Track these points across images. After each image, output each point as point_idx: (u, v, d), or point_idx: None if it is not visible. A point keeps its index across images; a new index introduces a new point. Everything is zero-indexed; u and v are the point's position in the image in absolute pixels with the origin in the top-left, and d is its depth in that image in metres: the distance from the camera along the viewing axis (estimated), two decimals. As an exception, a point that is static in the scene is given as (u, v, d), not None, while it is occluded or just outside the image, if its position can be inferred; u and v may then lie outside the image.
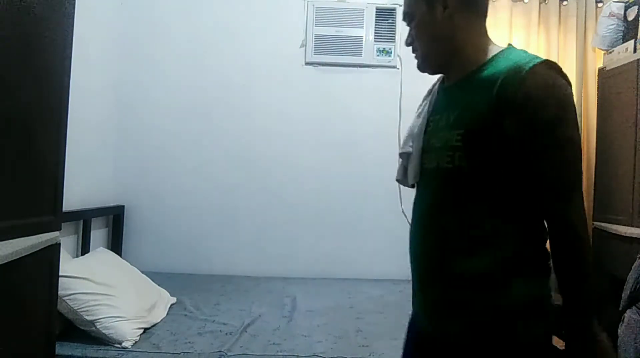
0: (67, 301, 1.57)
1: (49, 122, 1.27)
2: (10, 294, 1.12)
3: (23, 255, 1.12)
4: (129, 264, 2.17)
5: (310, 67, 2.81)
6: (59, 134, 1.32)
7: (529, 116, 0.81)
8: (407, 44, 1.01)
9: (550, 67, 0.84)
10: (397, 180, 1.12)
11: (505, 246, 0.87)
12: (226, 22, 2.80)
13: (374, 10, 2.77)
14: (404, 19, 1.00)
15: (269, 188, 2.78)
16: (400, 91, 2.81)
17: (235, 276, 2.60)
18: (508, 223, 0.87)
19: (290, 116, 2.78)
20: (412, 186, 1.04)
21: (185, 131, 2.77)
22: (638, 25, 2.40)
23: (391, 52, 2.80)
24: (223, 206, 2.78)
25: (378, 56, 2.79)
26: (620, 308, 1.91)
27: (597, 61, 2.78)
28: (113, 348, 1.55)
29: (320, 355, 1.58)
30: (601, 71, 2.67)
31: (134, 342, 1.60)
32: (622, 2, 2.57)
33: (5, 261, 1.05)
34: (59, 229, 1.33)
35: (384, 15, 2.79)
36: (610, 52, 2.59)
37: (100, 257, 2.08)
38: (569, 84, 0.85)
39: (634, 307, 1.86)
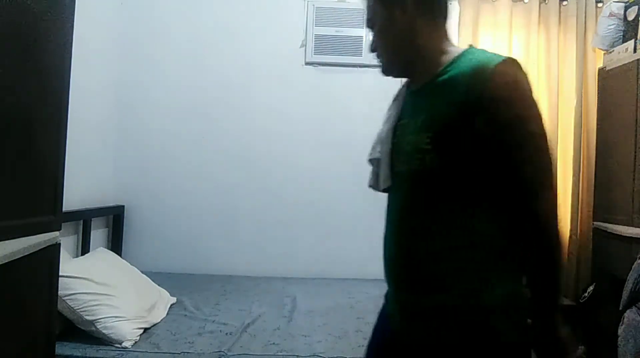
0: (67, 301, 1.57)
1: (49, 122, 1.27)
2: (10, 294, 1.12)
3: (23, 255, 1.12)
4: (129, 264, 2.17)
5: (310, 67, 2.81)
6: (59, 134, 1.32)
7: (497, 113, 0.82)
8: (371, 50, 1.03)
9: (513, 65, 0.86)
10: (369, 186, 1.13)
11: (480, 244, 0.87)
12: (226, 22, 2.80)
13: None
14: (367, 26, 1.02)
15: (269, 188, 2.78)
16: (400, 91, 2.81)
17: (235, 276, 2.60)
18: (481, 221, 0.88)
19: (290, 116, 2.78)
20: (384, 191, 1.05)
21: (185, 131, 2.77)
22: (638, 25, 2.40)
23: (391, 52, 2.79)
24: (223, 206, 2.78)
25: (378, 55, 2.79)
26: (620, 308, 1.91)
27: (597, 61, 2.78)
28: (113, 348, 1.55)
29: (320, 355, 1.58)
30: (601, 71, 2.67)
31: (134, 342, 1.60)
32: (622, 2, 2.57)
33: (5, 261, 1.05)
34: (59, 229, 1.33)
35: (384, 15, 2.78)
36: (610, 52, 2.59)
37: (100, 257, 2.08)
38: (530, 78, 0.87)
39: (634, 307, 1.86)
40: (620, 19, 2.56)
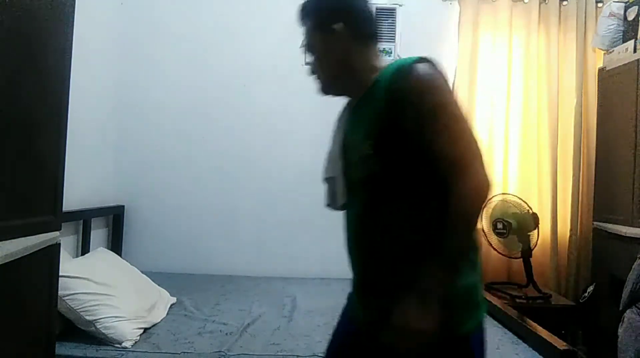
0: (67, 301, 1.57)
1: (49, 122, 1.27)
2: (10, 294, 1.12)
3: (23, 255, 1.12)
4: (129, 264, 2.17)
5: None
6: (59, 134, 1.32)
7: (415, 106, 0.90)
8: (311, 74, 1.13)
9: (426, 62, 0.94)
10: (327, 206, 1.19)
11: (431, 240, 0.92)
12: (226, 22, 2.80)
13: (374, 10, 2.77)
14: (306, 50, 1.12)
15: (269, 188, 2.78)
16: (400, 91, 2.81)
17: (235, 276, 2.60)
18: (429, 217, 0.94)
19: (290, 116, 2.78)
20: (342, 209, 1.11)
21: (185, 131, 2.77)
22: (638, 25, 2.40)
23: (391, 52, 2.80)
24: (223, 206, 2.78)
25: (378, 56, 2.79)
26: (620, 308, 1.92)
27: (597, 61, 2.78)
28: (113, 348, 1.55)
29: (320, 355, 1.58)
30: (601, 71, 2.67)
31: (134, 342, 1.60)
32: (622, 2, 2.57)
33: (5, 261, 1.05)
34: (59, 229, 1.33)
35: (384, 15, 2.78)
36: (610, 52, 2.59)
37: (100, 257, 2.08)
38: (444, 74, 0.95)
39: (634, 307, 1.86)
40: (620, 19, 2.56)
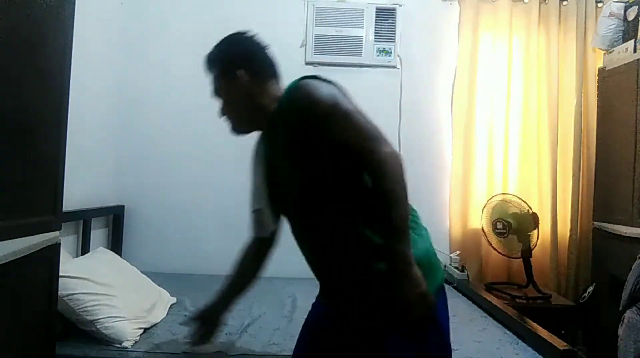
0: (67, 301, 1.57)
1: (49, 122, 1.27)
2: (10, 294, 1.12)
3: (23, 255, 1.12)
4: (129, 264, 2.17)
5: (310, 67, 2.81)
6: (59, 134, 1.32)
7: (312, 115, 1.02)
8: (220, 116, 1.24)
9: (308, 79, 1.10)
10: (256, 236, 1.32)
11: (370, 230, 1.05)
12: (226, 22, 2.78)
13: (374, 10, 2.77)
14: (214, 94, 1.24)
15: (269, 188, 2.77)
16: (400, 91, 2.81)
17: (235, 276, 2.59)
18: (364, 211, 1.05)
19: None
20: (270, 235, 1.28)
21: (186, 131, 2.77)
22: (638, 25, 2.40)
23: (391, 52, 2.80)
24: (223, 206, 2.78)
25: (378, 56, 2.79)
26: (620, 308, 1.92)
27: (597, 61, 2.78)
28: (113, 348, 1.54)
29: (320, 355, 1.58)
30: (601, 71, 2.67)
31: (134, 341, 1.59)
32: (622, 2, 2.57)
33: (5, 261, 1.05)
34: (59, 229, 1.33)
35: (384, 15, 2.79)
36: (610, 52, 2.59)
37: (100, 257, 2.08)
38: (330, 82, 1.11)
39: (634, 307, 1.86)
40: (620, 19, 2.56)
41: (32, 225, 1.19)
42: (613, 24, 2.59)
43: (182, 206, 2.77)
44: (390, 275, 0.98)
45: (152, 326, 1.75)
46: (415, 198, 2.80)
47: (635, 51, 2.37)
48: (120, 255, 2.63)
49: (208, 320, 1.41)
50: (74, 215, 2.12)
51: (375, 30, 2.78)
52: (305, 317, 1.35)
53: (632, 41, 2.41)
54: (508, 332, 1.79)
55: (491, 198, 2.63)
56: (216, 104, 1.26)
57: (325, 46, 2.78)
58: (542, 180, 2.78)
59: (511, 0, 2.79)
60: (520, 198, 2.54)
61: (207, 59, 1.26)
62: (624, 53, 2.46)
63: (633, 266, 1.91)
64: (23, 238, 1.14)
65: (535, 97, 2.80)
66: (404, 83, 2.82)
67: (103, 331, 1.57)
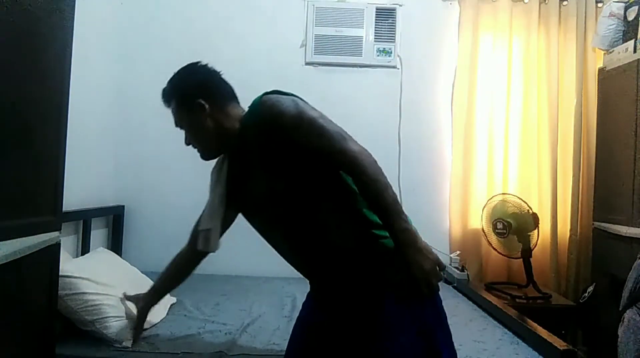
0: (67, 301, 1.57)
1: (49, 122, 1.27)
2: (10, 294, 1.12)
3: (23, 255, 1.12)
4: (129, 264, 2.17)
5: (310, 67, 2.81)
6: (59, 133, 1.32)
7: (277, 129, 1.07)
8: (187, 144, 1.31)
9: (270, 94, 1.13)
10: (199, 249, 1.33)
11: (345, 226, 1.11)
12: (226, 22, 2.80)
13: (374, 10, 2.77)
14: (177, 126, 1.30)
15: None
16: (400, 91, 2.81)
17: (235, 276, 2.60)
18: (335, 211, 1.12)
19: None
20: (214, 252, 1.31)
21: (185, 131, 2.77)
22: (638, 25, 2.40)
23: (391, 52, 2.80)
24: (223, 206, 2.78)
25: (378, 56, 2.79)
26: (620, 308, 1.92)
27: (597, 61, 2.78)
28: (113, 348, 1.54)
29: (320, 355, 1.58)
30: (601, 71, 2.67)
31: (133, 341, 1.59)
32: (622, 2, 2.57)
33: (5, 261, 1.05)
34: (59, 229, 1.33)
35: (384, 15, 2.79)
36: (610, 52, 2.59)
37: (100, 257, 2.08)
38: (291, 95, 1.14)
39: (634, 307, 1.86)
40: (620, 19, 2.56)
41: (32, 224, 1.20)
42: (613, 24, 2.59)
43: (182, 206, 2.76)
44: (402, 252, 1.03)
45: (152, 326, 1.75)
46: (415, 198, 2.83)
47: (635, 51, 2.37)
48: (120, 255, 2.63)
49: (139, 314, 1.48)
50: (74, 215, 2.12)
51: (375, 30, 2.78)
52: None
53: (632, 41, 2.41)
54: (508, 332, 1.79)
55: (491, 198, 2.63)
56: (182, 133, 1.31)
57: (325, 46, 2.78)
58: (542, 180, 2.78)
59: (511, 0, 2.79)
60: (520, 198, 2.54)
61: (164, 93, 1.30)
62: (624, 53, 2.46)
63: (633, 266, 1.91)
64: (23, 238, 1.14)
65: (535, 97, 2.80)
66: (404, 83, 2.82)
67: (103, 331, 1.57)
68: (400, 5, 2.80)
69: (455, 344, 1.18)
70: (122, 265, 2.12)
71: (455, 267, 2.57)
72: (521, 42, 2.83)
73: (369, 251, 1.11)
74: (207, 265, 2.79)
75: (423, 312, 1.09)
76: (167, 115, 2.36)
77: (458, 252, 2.67)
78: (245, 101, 2.96)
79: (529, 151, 2.80)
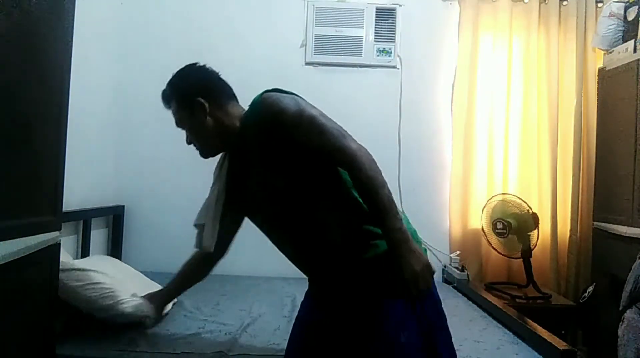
0: (86, 291, 1.54)
1: (49, 122, 1.27)
2: (10, 294, 1.12)
3: (23, 254, 1.12)
4: (129, 266, 2.17)
5: (310, 67, 2.81)
6: (59, 134, 1.32)
7: (278, 126, 1.08)
8: (188, 143, 1.33)
9: (270, 91, 1.14)
10: (196, 248, 1.38)
11: (344, 224, 1.13)
12: (226, 23, 2.80)
13: (374, 10, 2.77)
14: (177, 126, 1.32)
15: (269, 188, 2.77)
16: (400, 91, 2.81)
17: (235, 276, 2.59)
18: (335, 208, 1.13)
19: (290, 116, 2.78)
20: (209, 251, 1.30)
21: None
22: (638, 25, 2.41)
23: (391, 52, 2.80)
24: (223, 206, 2.78)
25: (378, 56, 2.79)
26: (620, 308, 1.92)
27: (597, 61, 2.78)
28: (113, 348, 1.54)
29: (320, 355, 1.57)
30: (601, 71, 2.68)
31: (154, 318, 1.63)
32: (622, 2, 2.57)
33: (5, 261, 1.05)
34: (59, 229, 1.33)
35: (384, 15, 2.79)
36: (610, 52, 2.59)
37: (101, 258, 2.08)
38: (291, 93, 1.15)
39: (634, 307, 1.86)
40: (620, 19, 2.56)
41: (32, 224, 1.20)
42: (613, 24, 2.59)
43: (182, 206, 2.76)
44: (393, 253, 1.04)
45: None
46: (415, 198, 2.83)
47: (635, 51, 2.37)
48: (120, 255, 2.64)
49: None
50: (74, 215, 2.12)
51: (375, 30, 2.78)
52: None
53: (632, 41, 2.41)
54: (508, 332, 1.79)
55: (491, 198, 2.63)
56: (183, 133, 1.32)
57: (325, 46, 2.78)
58: (542, 180, 2.78)
59: (511, 0, 2.79)
60: (520, 198, 2.54)
61: (164, 94, 1.32)
62: (624, 53, 2.46)
63: (633, 266, 1.91)
64: (23, 238, 1.14)
65: (535, 97, 2.80)
66: (404, 83, 2.82)
67: (127, 310, 1.57)
68: (400, 5, 2.80)
69: (455, 344, 1.18)
70: (122, 266, 2.12)
71: (455, 267, 2.57)
72: (521, 42, 2.83)
73: (368, 250, 1.11)
74: (207, 265, 2.79)
75: (424, 313, 1.09)
76: (167, 115, 2.38)
77: (458, 252, 2.67)
78: (246, 100, 2.96)
79: (529, 151, 2.80)
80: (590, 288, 2.54)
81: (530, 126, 2.81)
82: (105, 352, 1.52)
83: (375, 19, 2.78)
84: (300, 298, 2.18)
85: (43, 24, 1.20)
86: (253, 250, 2.79)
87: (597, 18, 2.74)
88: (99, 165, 2.56)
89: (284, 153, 1.10)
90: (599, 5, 2.80)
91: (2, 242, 1.04)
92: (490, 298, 2.14)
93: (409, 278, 1.02)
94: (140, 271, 2.16)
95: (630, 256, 2.02)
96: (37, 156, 1.22)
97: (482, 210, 2.63)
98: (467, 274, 2.51)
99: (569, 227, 2.77)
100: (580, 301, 2.55)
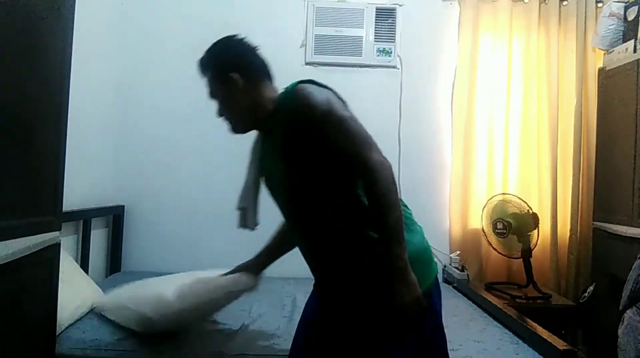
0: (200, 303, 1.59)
1: (49, 122, 1.27)
2: (10, 294, 1.12)
3: (23, 254, 1.12)
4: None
5: (310, 67, 2.81)
6: (59, 134, 1.32)
7: (307, 119, 1.06)
8: (219, 116, 1.29)
9: (305, 83, 1.14)
10: (239, 227, 1.39)
11: (354, 229, 1.11)
12: (226, 23, 2.78)
13: (374, 10, 2.77)
14: (210, 97, 1.29)
15: (269, 188, 2.77)
16: (400, 91, 2.81)
17: (235, 276, 2.59)
18: (348, 212, 1.11)
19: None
20: (252, 229, 1.34)
21: (186, 132, 2.77)
22: (638, 25, 2.40)
23: (391, 52, 2.80)
24: (223, 206, 2.76)
25: (378, 56, 2.79)
26: (620, 308, 1.92)
27: (597, 61, 2.78)
28: (113, 348, 1.54)
29: (320, 355, 1.57)
30: (601, 71, 2.67)
31: None
32: (622, 2, 2.57)
33: (5, 262, 1.05)
34: (59, 229, 1.33)
35: (384, 15, 2.79)
36: (610, 52, 2.59)
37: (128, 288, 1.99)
38: (326, 87, 1.15)
39: (634, 307, 1.86)
40: (620, 19, 2.56)
41: (32, 224, 1.20)
42: (613, 24, 2.59)
43: (182, 206, 2.77)
44: (388, 276, 1.04)
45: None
46: (415, 198, 2.82)
47: (635, 51, 2.37)
48: (120, 255, 2.64)
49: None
50: (74, 215, 2.12)
51: (375, 30, 2.78)
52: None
53: (632, 41, 2.40)
54: (508, 332, 1.79)
55: (491, 198, 2.63)
56: (214, 104, 1.30)
57: (325, 46, 2.78)
58: (542, 180, 2.78)
59: (511, 0, 2.79)
60: (520, 198, 2.54)
61: (200, 63, 1.31)
62: (624, 53, 2.46)
63: (633, 266, 1.91)
64: (23, 238, 1.14)
65: (535, 97, 2.80)
66: (404, 83, 2.81)
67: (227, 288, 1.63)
68: (400, 5, 2.80)
69: (455, 344, 1.19)
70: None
71: (455, 267, 2.57)
72: (521, 42, 2.82)
73: (374, 258, 1.09)
74: (207, 265, 2.80)
75: (423, 322, 1.09)
76: (167, 115, 2.40)
77: (458, 252, 2.67)
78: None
79: (529, 151, 2.80)
80: (590, 288, 2.54)
81: (530, 126, 2.81)
82: (105, 352, 1.52)
83: (375, 19, 2.78)
84: (300, 298, 2.19)
85: (43, 24, 1.20)
86: (253, 249, 2.80)
87: (597, 18, 2.73)
88: (99, 165, 2.56)
89: (307, 148, 1.09)
90: (599, 5, 2.80)
91: (2, 242, 1.04)
92: (490, 298, 2.14)
93: (397, 305, 1.04)
94: (141, 271, 2.16)
95: (630, 256, 2.02)
96: (37, 156, 1.22)
97: (482, 210, 2.63)
98: (467, 274, 2.51)
99: (569, 227, 2.77)
100: (580, 301, 2.55)
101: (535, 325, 1.71)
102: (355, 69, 2.81)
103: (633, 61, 2.36)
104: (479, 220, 2.68)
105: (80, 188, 2.27)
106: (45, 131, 1.26)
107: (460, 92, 2.79)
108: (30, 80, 1.16)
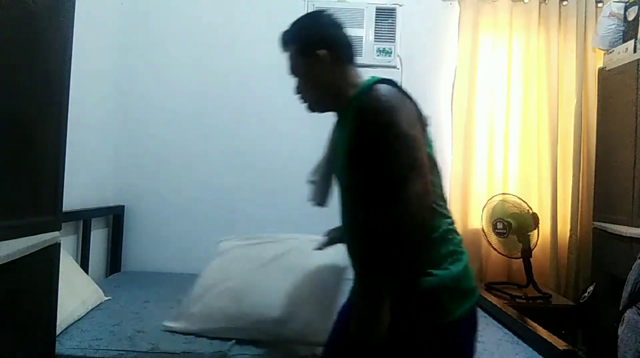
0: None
1: (49, 121, 1.27)
2: (10, 294, 1.12)
3: (23, 254, 1.12)
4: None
5: (310, 67, 2.80)
6: (59, 133, 1.32)
7: (367, 125, 1.03)
8: (296, 93, 1.23)
9: (385, 82, 1.09)
10: (309, 200, 1.39)
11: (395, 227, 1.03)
12: (226, 23, 2.80)
13: (374, 10, 2.77)
14: (290, 73, 1.22)
15: (269, 188, 2.78)
16: (400, 91, 2.81)
17: (235, 276, 2.59)
18: (381, 227, 1.01)
19: (290, 116, 2.77)
20: (323, 205, 1.35)
21: (186, 131, 2.77)
22: (638, 25, 2.40)
23: (391, 52, 2.80)
24: (223, 207, 2.78)
25: (378, 56, 2.79)
26: (620, 308, 1.92)
27: (597, 61, 2.78)
28: (113, 348, 1.54)
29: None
30: (601, 71, 2.67)
31: None
32: (622, 2, 2.57)
33: (5, 261, 1.05)
34: (59, 229, 1.33)
35: (384, 15, 2.78)
36: (610, 52, 2.59)
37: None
38: (401, 93, 1.08)
39: (634, 307, 1.86)
40: (620, 19, 2.56)
41: (32, 224, 1.19)
42: (613, 24, 2.59)
43: (182, 206, 2.77)
44: (355, 299, 1.05)
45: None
46: (415, 198, 2.65)
47: (635, 51, 2.37)
48: (120, 255, 2.64)
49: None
50: (74, 215, 2.12)
51: (375, 30, 2.78)
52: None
53: (632, 41, 2.41)
54: (508, 331, 1.79)
55: (491, 198, 2.63)
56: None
57: (325, 45, 2.77)
58: (542, 180, 2.78)
59: (511, 0, 2.79)
60: (520, 198, 2.54)
61: (285, 36, 1.23)
62: (624, 53, 2.46)
63: (633, 266, 1.91)
64: (23, 238, 1.14)
65: (535, 97, 2.80)
66: (404, 83, 2.80)
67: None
68: (400, 5, 2.80)
69: (455, 344, 1.17)
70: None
71: (455, 267, 2.56)
72: (521, 42, 2.82)
73: (410, 281, 1.04)
74: (208, 265, 2.79)
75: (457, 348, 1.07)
76: (167, 115, 2.40)
77: (458, 252, 2.66)
78: (244, 102, 2.96)
79: (529, 151, 2.80)
80: (590, 288, 2.54)
81: (530, 125, 2.81)
82: (105, 352, 1.52)
83: (375, 19, 2.77)
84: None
85: (43, 24, 1.20)
86: (253, 250, 2.80)
87: (597, 18, 2.74)
88: (99, 165, 2.56)
89: (359, 150, 1.05)
90: (599, 5, 2.80)
91: (2, 242, 1.04)
92: (490, 298, 2.14)
93: (352, 332, 1.02)
94: (141, 271, 2.16)
95: (630, 256, 2.03)
96: (37, 155, 1.22)
97: (482, 210, 2.63)
98: (467, 274, 2.50)
99: (569, 227, 2.77)
100: (580, 301, 2.55)
101: (535, 325, 1.71)
102: (355, 69, 2.81)
103: (633, 61, 2.36)
104: (479, 220, 2.68)
105: (80, 187, 2.27)
106: (45, 131, 1.25)
107: (460, 92, 2.79)
108: (30, 80, 1.16)
